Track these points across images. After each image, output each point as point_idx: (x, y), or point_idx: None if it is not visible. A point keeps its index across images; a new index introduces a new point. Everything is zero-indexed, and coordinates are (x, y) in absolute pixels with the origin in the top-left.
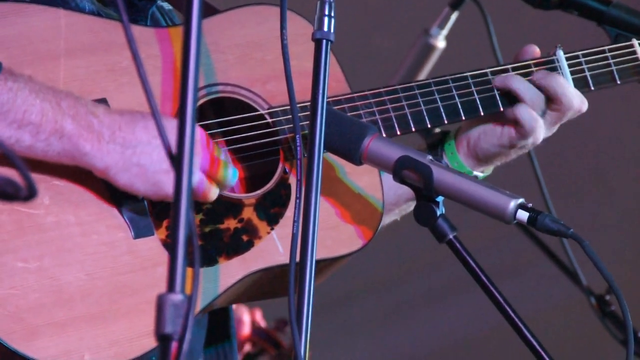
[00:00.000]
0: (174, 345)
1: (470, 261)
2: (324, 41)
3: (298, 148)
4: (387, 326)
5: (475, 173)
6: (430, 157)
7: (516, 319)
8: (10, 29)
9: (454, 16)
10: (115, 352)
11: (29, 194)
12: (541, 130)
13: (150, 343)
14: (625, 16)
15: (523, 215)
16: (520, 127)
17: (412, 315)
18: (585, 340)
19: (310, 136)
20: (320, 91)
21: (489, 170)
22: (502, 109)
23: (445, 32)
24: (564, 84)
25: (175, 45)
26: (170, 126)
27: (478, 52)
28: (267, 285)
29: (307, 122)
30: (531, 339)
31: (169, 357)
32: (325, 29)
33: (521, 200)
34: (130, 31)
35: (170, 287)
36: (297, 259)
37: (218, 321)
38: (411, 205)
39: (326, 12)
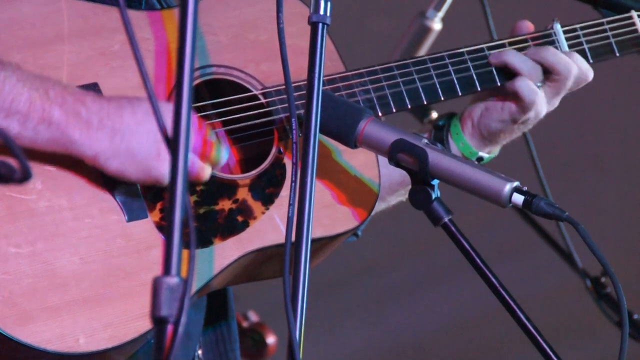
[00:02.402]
0: (169, 328)
1: (466, 244)
2: (320, 24)
3: (294, 131)
4: (382, 310)
5: (481, 154)
6: (425, 140)
7: (511, 302)
8: (0, 15)
9: None
10: (109, 334)
11: (23, 176)
12: (542, 102)
13: (145, 325)
14: None
15: (518, 198)
16: (520, 101)
17: (407, 298)
18: (580, 323)
19: (306, 120)
20: (316, 75)
21: (495, 151)
22: (499, 84)
23: (441, 14)
24: (556, 53)
25: (168, 28)
26: (165, 110)
27: (474, 34)
28: (263, 266)
29: (303, 102)
30: (526, 321)
31: (165, 339)
32: (322, 12)
33: (516, 183)
34: (127, 16)
35: (166, 270)
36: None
37: (216, 302)
38: (395, 199)
39: None
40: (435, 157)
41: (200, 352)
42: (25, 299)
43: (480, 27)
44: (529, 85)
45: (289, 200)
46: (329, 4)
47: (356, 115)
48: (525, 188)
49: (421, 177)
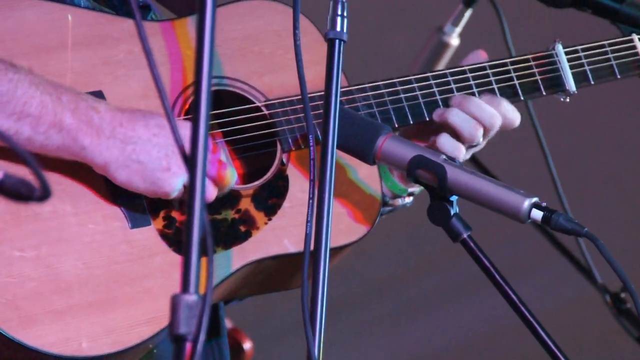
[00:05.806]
0: (188, 346)
1: (485, 260)
2: (337, 41)
3: (311, 148)
4: (400, 326)
5: (411, 190)
6: (444, 156)
7: (530, 318)
8: (4, 23)
9: (467, 13)
10: (113, 340)
11: (43, 195)
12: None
13: (148, 331)
14: (639, 13)
15: (537, 214)
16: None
17: (425, 315)
18: (600, 338)
19: (324, 137)
20: (333, 91)
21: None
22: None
23: (459, 29)
24: (480, 105)
25: (168, 40)
26: (180, 127)
27: (491, 50)
28: (264, 277)
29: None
30: (546, 337)
31: (183, 357)
32: (338, 29)
33: (535, 199)
34: (143, 29)
35: (185, 287)
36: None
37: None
38: None
39: (339, 12)
40: (454, 173)
41: None
42: (29, 302)
43: (497, 42)
44: (459, 149)
45: (307, 217)
46: (345, 20)
47: (374, 132)
48: (544, 204)
49: (440, 193)
